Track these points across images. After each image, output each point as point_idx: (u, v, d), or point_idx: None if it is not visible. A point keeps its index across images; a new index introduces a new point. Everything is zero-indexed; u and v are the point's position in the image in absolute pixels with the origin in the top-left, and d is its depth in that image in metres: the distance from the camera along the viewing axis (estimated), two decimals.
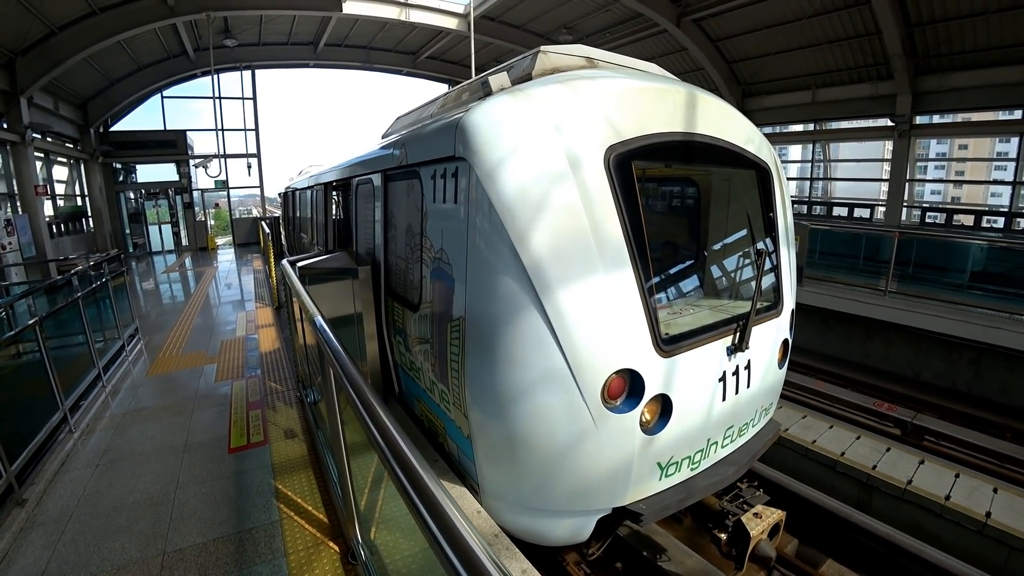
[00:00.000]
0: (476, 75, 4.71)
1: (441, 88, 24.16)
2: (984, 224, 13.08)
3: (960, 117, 13.34)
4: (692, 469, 3.20)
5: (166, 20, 14.26)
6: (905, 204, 14.09)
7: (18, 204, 13.69)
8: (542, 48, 3.44)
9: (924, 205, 15.71)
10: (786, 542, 4.64)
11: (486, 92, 3.13)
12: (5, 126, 13.01)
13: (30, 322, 4.23)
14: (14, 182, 13.64)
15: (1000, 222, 13.04)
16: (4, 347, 4.09)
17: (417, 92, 28.54)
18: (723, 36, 15.66)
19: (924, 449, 6.13)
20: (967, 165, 21.54)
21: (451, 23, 18.43)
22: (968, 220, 13.45)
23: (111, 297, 6.77)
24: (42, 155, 15.70)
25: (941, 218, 14.46)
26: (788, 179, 16.64)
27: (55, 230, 15.82)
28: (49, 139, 15.74)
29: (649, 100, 3.03)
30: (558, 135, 2.68)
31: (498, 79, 3.20)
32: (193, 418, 4.89)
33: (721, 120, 3.39)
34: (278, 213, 18.93)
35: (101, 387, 5.64)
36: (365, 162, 4.89)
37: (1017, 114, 12.31)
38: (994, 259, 9.15)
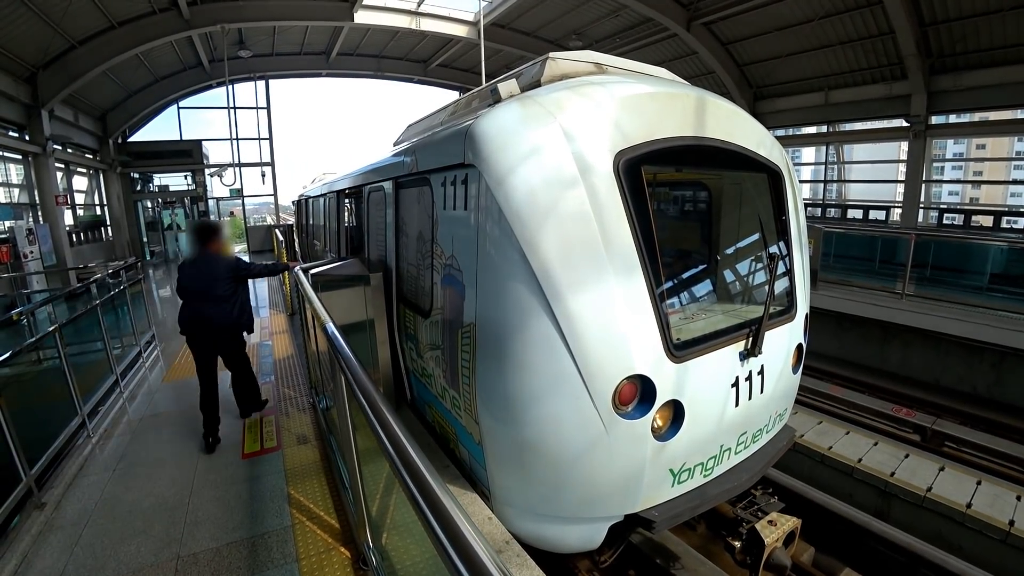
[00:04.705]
0: (486, 82, 4.74)
1: (452, 95, 24.34)
2: (1004, 225, 12.81)
3: (977, 116, 13.12)
4: (705, 476, 3.16)
5: (182, 33, 14.60)
6: (922, 206, 13.87)
7: (39, 213, 14.03)
8: (551, 55, 3.45)
9: (941, 206, 15.44)
10: (802, 550, 4.56)
11: (495, 99, 3.14)
12: (27, 138, 13.39)
13: (50, 329, 4.32)
14: (36, 192, 14.01)
15: (1021, 222, 12.78)
16: (25, 353, 4.17)
17: (429, 99, 28.82)
18: (734, 39, 15.59)
19: (944, 455, 6.00)
20: (985, 165, 21.11)
21: (461, 31, 18.59)
22: (987, 221, 13.19)
23: (128, 304, 6.88)
24: (62, 166, 16.11)
25: (959, 219, 14.20)
26: (801, 182, 16.52)
27: (75, 239, 16.18)
28: (69, 150, 16.14)
29: (658, 105, 3.02)
30: (567, 141, 2.68)
31: (507, 86, 3.22)
32: None
33: (732, 124, 3.36)
34: (292, 221, 19.15)
35: (119, 392, 5.73)
36: (377, 170, 4.94)
37: None
38: (1015, 260, 8.95)
